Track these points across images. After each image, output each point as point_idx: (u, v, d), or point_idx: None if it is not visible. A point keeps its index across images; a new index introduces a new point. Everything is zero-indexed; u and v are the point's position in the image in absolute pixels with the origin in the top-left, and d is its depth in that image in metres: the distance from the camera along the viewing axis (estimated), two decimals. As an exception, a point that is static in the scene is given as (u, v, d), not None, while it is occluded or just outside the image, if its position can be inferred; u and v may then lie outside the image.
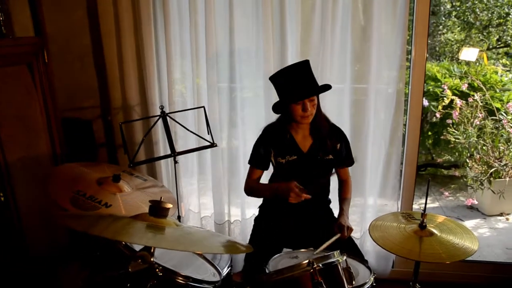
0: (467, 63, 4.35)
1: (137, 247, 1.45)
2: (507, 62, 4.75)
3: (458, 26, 5.19)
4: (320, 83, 1.96)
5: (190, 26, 2.43)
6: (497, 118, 3.74)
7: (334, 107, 2.46)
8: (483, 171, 3.75)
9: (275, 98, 2.01)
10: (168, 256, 1.61)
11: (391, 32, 2.33)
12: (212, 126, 2.39)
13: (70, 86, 2.60)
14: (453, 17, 5.21)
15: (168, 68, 2.48)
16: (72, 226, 1.29)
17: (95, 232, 1.21)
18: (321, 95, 2.01)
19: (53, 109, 2.35)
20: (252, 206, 2.57)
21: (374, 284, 1.63)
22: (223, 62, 2.49)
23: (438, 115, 3.98)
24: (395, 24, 2.30)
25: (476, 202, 3.85)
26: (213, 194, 2.71)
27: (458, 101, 3.82)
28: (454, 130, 3.84)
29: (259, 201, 2.24)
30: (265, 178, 2.17)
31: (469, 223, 3.72)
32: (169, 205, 1.39)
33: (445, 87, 3.92)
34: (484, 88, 3.85)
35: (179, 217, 2.32)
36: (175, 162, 2.27)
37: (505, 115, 3.75)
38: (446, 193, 4.27)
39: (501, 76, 4.15)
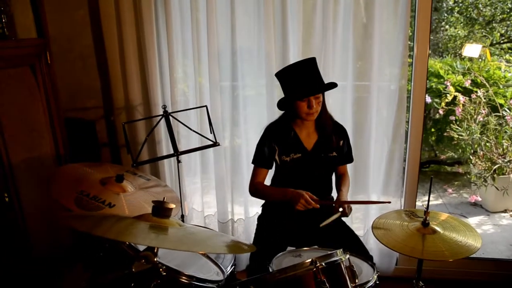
0: (470, 59, 4.33)
1: (141, 247, 1.46)
2: (511, 58, 4.71)
3: (461, 22, 5.15)
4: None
5: (192, 25, 2.43)
6: (501, 114, 3.72)
7: (337, 104, 2.46)
8: (486, 168, 3.73)
9: (277, 96, 2.01)
10: (171, 255, 1.61)
11: (393, 29, 2.33)
12: (215, 125, 2.40)
13: (73, 86, 2.61)
14: (455, 13, 5.17)
15: (170, 67, 2.48)
16: (75, 227, 1.29)
17: (99, 232, 1.22)
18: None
19: (56, 109, 2.35)
20: (255, 205, 2.57)
21: (378, 282, 1.63)
22: (225, 61, 2.49)
23: (441, 111, 3.96)
24: (397, 20, 2.29)
25: (480, 199, 3.84)
26: (216, 192, 2.71)
27: (461, 98, 3.80)
28: (457, 127, 3.82)
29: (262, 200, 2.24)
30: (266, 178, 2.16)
31: (472, 220, 3.71)
32: (172, 206, 1.40)
33: (448, 84, 3.91)
34: (487, 84, 3.83)
35: (182, 216, 2.33)
36: (178, 161, 2.27)
37: (508, 111, 3.73)
38: (450, 190, 4.26)
39: (504, 72, 4.12)
